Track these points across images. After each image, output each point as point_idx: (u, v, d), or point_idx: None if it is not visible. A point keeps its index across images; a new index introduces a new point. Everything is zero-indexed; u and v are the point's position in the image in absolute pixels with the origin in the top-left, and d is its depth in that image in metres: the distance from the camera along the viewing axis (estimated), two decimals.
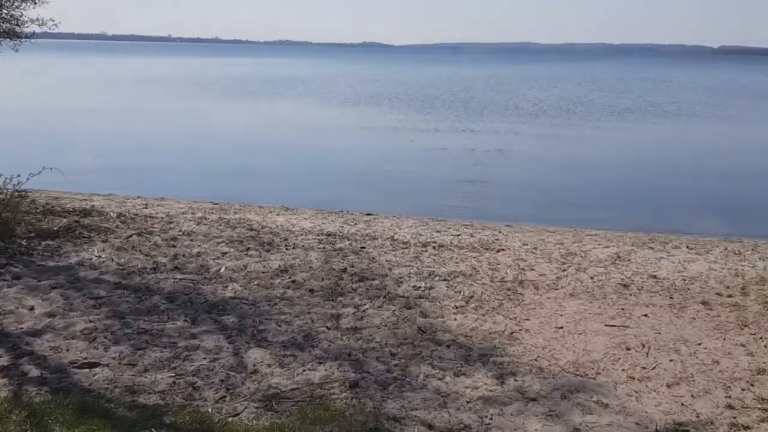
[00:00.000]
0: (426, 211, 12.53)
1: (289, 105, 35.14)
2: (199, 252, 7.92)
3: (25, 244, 7.70)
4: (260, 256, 7.86)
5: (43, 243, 7.81)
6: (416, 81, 58.20)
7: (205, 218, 10.13)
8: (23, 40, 11.19)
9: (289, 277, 7.01)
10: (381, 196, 14.18)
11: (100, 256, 7.43)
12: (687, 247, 9.35)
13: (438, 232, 9.86)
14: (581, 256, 8.42)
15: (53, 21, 11.99)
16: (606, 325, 5.82)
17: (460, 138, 22.88)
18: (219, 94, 40.14)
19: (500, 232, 10.11)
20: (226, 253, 7.96)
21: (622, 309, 6.29)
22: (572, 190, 15.33)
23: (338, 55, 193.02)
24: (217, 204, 12.05)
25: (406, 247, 8.66)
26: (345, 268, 7.45)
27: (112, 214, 9.99)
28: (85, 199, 11.64)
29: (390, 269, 7.50)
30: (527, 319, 5.99)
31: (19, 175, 8.81)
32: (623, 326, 5.79)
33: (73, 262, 7.16)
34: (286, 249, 8.29)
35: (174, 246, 8.16)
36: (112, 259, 7.35)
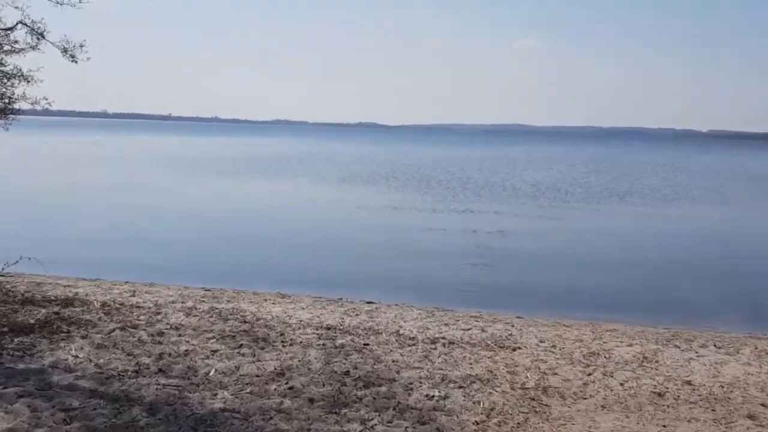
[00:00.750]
0: (430, 297, 11.91)
1: (284, 185, 34.91)
2: (187, 350, 7.19)
3: None
4: (254, 355, 7.14)
5: (15, 340, 7.08)
6: (412, 161, 58.48)
7: (196, 308, 9.44)
8: (12, 118, 10.95)
9: (286, 383, 6.28)
10: (381, 280, 13.54)
11: (77, 356, 6.69)
12: (714, 345, 8.68)
13: (446, 325, 9.17)
14: (605, 357, 7.73)
15: (47, 100, 11.73)
16: None
17: (459, 219, 22.46)
18: (213, 174, 39.96)
19: (513, 325, 9.42)
20: (216, 351, 7.23)
21: (664, 426, 5.56)
22: (581, 277, 14.73)
23: (334, 134, 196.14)
24: (209, 291, 11.38)
25: (414, 344, 7.96)
26: (348, 371, 6.73)
27: (95, 303, 9.28)
28: (69, 285, 10.96)
29: (398, 372, 6.78)
30: None
31: None
32: None
33: (47, 363, 6.42)
34: (283, 346, 7.57)
35: (160, 342, 7.44)
36: (90, 360, 6.61)
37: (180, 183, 34.16)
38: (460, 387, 6.37)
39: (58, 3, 10.37)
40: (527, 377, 6.82)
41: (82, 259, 14.44)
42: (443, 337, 8.35)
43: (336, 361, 7.03)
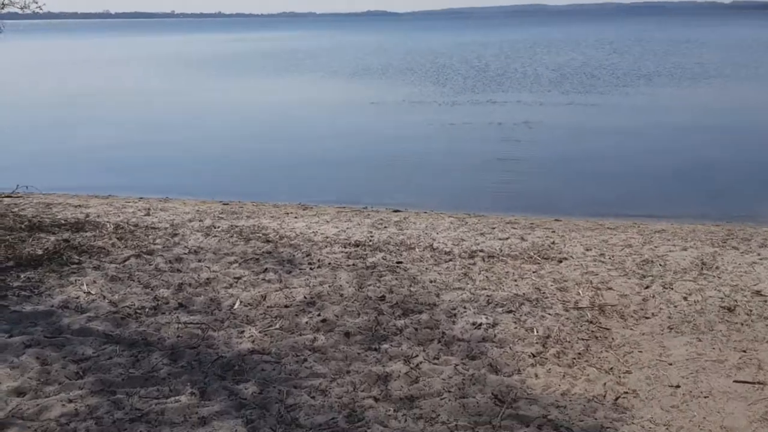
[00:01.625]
0: (459, 201, 11.27)
1: (296, 81, 33.63)
2: (208, 278, 6.65)
3: None
4: (280, 281, 6.58)
5: (22, 276, 6.55)
6: (426, 50, 56.26)
7: (215, 227, 8.87)
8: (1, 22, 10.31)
9: (318, 314, 5.73)
10: (406, 184, 12.85)
11: (89, 292, 6.16)
12: None
13: (482, 234, 8.54)
14: (660, 265, 7.08)
15: (36, 2, 11.04)
16: (735, 381, 4.50)
17: (481, 110, 21.41)
18: (222, 73, 38.63)
19: (553, 231, 8.77)
20: (240, 277, 6.69)
21: (744, 351, 4.96)
22: (617, 170, 13.90)
23: (343, 25, 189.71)
24: (227, 204, 10.81)
25: (450, 259, 7.36)
26: (383, 296, 6.16)
27: (108, 226, 8.73)
28: (80, 205, 10.40)
29: (438, 295, 6.20)
30: (628, 372, 4.68)
31: None
32: (759, 383, 4.46)
33: (56, 302, 5.90)
34: (310, 269, 7.01)
35: (179, 270, 6.89)
36: (104, 296, 6.09)
37: (186, 86, 33.03)
38: (509, 311, 5.78)
39: None
40: (579, 294, 6.22)
41: (90, 176, 13.84)
42: (481, 250, 7.74)
43: (369, 285, 6.46)
